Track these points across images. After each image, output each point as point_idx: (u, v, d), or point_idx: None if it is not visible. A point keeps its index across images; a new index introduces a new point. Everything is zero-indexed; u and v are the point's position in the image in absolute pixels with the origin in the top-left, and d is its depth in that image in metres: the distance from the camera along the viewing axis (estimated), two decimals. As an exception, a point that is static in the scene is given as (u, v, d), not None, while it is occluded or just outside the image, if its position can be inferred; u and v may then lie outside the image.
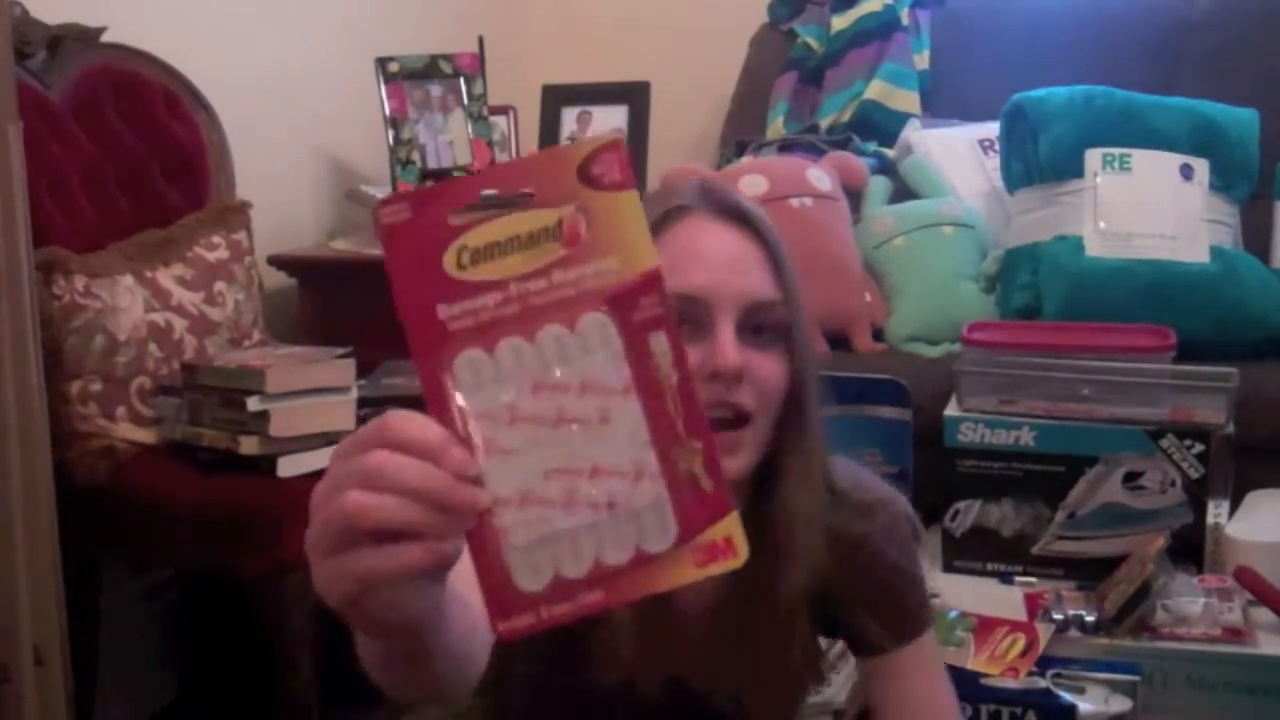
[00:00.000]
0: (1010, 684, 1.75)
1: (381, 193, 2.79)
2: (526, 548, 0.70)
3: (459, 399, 0.71)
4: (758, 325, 1.20)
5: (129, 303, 2.18)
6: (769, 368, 1.20)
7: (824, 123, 3.07)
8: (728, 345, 1.17)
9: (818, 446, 1.25)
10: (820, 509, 1.25)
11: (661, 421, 0.71)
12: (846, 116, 3.07)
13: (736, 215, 1.22)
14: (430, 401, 0.71)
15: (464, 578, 0.74)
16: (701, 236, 1.21)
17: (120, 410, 2.16)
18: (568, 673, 1.25)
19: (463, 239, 0.72)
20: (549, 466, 0.71)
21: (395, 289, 0.71)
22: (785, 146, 2.95)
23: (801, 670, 1.33)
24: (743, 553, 0.72)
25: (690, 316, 1.18)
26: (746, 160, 2.87)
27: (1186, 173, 2.52)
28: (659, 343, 0.72)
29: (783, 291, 1.21)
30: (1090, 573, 2.05)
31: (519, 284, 0.72)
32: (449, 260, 0.71)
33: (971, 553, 2.15)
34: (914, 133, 2.93)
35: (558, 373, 0.71)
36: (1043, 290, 2.47)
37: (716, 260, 1.19)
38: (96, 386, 2.13)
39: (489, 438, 0.71)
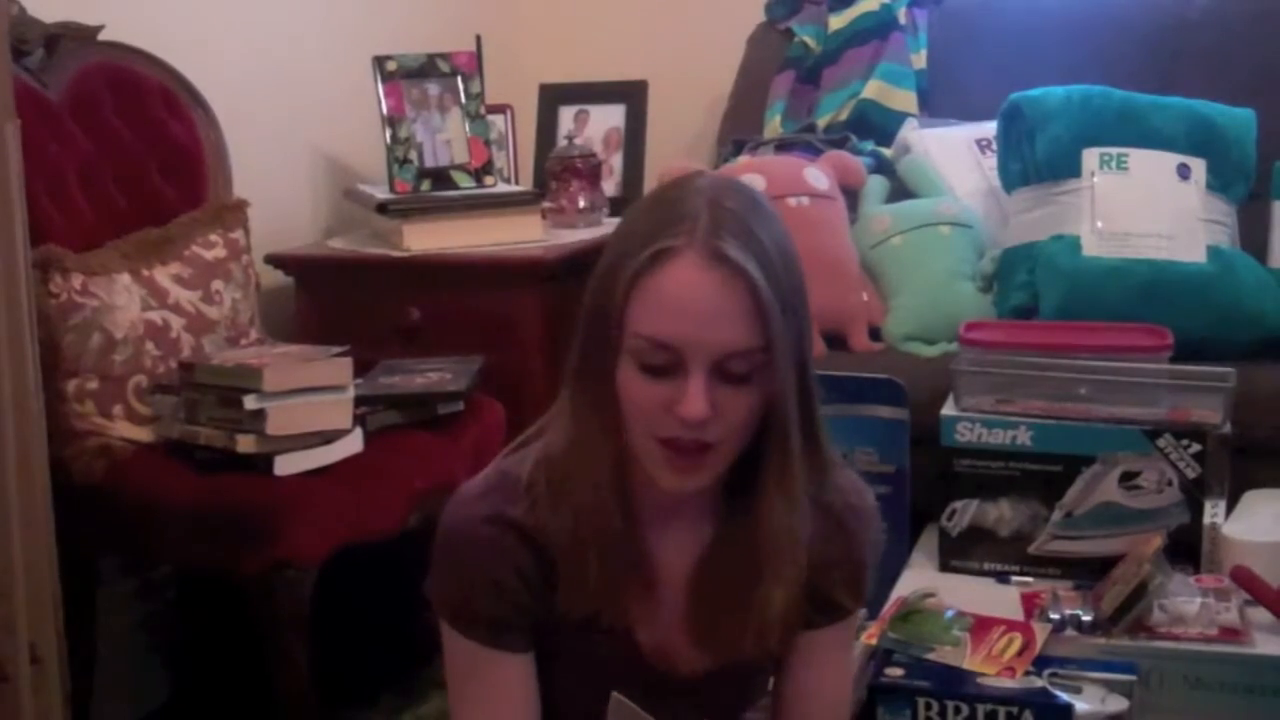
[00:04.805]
0: (1007, 683, 1.75)
1: (379, 192, 2.79)
2: None
3: None
4: (734, 367, 1.22)
5: (126, 301, 2.18)
6: (740, 403, 1.24)
7: (821, 122, 3.07)
8: (697, 398, 1.21)
9: (799, 460, 1.29)
10: (799, 527, 1.30)
11: None
12: (844, 116, 3.07)
13: (726, 262, 1.21)
14: None
15: None
16: (685, 286, 1.21)
17: (117, 408, 2.16)
18: (585, 648, 1.33)
19: None
20: None
21: None
22: (782, 145, 2.94)
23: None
24: None
25: (665, 360, 1.22)
26: (744, 159, 2.87)
27: (1184, 172, 2.52)
28: None
29: (764, 336, 1.22)
30: (1087, 572, 2.05)
31: None
32: None
33: (968, 552, 2.15)
34: (911, 132, 2.93)
35: None
36: (1040, 290, 2.47)
37: (695, 312, 1.21)
38: (93, 385, 2.13)
39: None
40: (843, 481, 1.38)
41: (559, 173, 3.02)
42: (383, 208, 2.74)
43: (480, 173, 2.84)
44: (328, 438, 2.10)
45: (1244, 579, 1.93)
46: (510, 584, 1.30)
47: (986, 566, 2.15)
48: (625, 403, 1.26)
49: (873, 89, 3.06)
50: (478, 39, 3.09)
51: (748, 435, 1.27)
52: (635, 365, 1.24)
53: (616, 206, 3.03)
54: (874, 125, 3.02)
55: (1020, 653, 1.81)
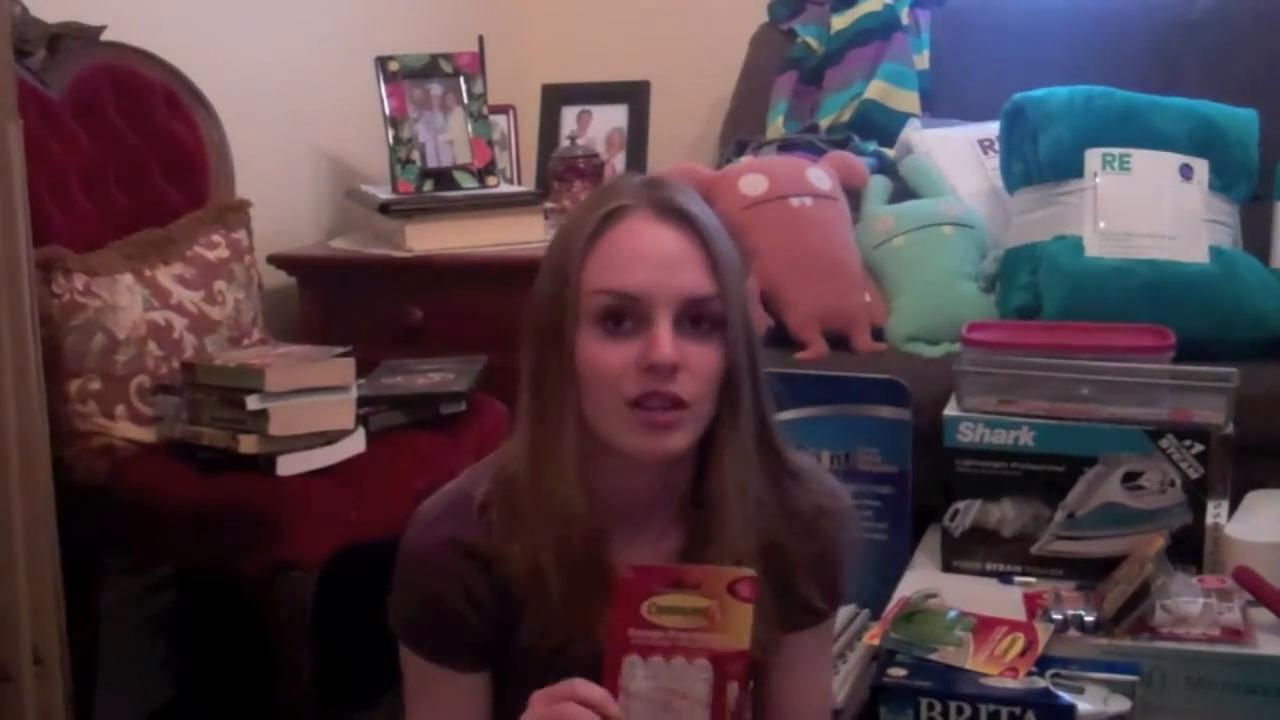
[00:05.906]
0: (1009, 684, 1.75)
1: (382, 192, 2.79)
2: None
3: (622, 679, 1.23)
4: (695, 318, 1.26)
5: (128, 301, 2.18)
6: (704, 357, 1.27)
7: (824, 122, 3.07)
8: (664, 341, 1.24)
9: (749, 429, 1.31)
10: (751, 487, 1.31)
11: None
12: (846, 116, 3.06)
13: (675, 214, 1.27)
14: (607, 675, 1.23)
15: None
16: (641, 236, 1.27)
17: (120, 409, 2.16)
18: (550, 655, 1.31)
19: (656, 599, 1.23)
20: None
21: (612, 622, 1.24)
22: (785, 146, 2.94)
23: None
24: None
25: (631, 312, 1.25)
26: (746, 160, 2.86)
27: (1186, 173, 2.52)
28: (732, 688, 1.24)
29: (719, 286, 1.27)
30: (1089, 573, 2.04)
31: (675, 632, 1.23)
32: (646, 606, 1.23)
33: (971, 552, 2.15)
34: (914, 132, 2.93)
35: (674, 683, 1.23)
36: (1042, 290, 2.47)
37: (655, 259, 1.26)
38: (96, 385, 2.13)
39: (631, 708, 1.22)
40: (814, 484, 1.38)
41: (561, 173, 3.03)
42: (385, 208, 2.74)
43: (483, 173, 2.84)
44: (330, 438, 2.11)
45: (1246, 579, 1.93)
46: (461, 608, 1.30)
47: (989, 567, 2.14)
48: (590, 374, 1.26)
49: (875, 89, 3.06)
50: (480, 39, 3.09)
51: (713, 400, 1.28)
52: (597, 330, 1.26)
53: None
54: (876, 126, 3.02)
55: (1023, 653, 1.81)
